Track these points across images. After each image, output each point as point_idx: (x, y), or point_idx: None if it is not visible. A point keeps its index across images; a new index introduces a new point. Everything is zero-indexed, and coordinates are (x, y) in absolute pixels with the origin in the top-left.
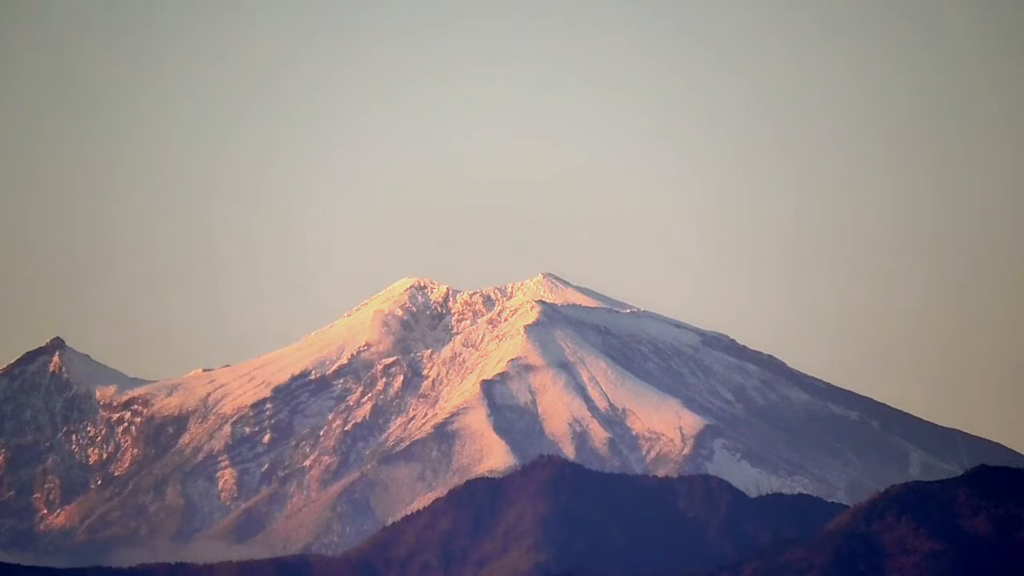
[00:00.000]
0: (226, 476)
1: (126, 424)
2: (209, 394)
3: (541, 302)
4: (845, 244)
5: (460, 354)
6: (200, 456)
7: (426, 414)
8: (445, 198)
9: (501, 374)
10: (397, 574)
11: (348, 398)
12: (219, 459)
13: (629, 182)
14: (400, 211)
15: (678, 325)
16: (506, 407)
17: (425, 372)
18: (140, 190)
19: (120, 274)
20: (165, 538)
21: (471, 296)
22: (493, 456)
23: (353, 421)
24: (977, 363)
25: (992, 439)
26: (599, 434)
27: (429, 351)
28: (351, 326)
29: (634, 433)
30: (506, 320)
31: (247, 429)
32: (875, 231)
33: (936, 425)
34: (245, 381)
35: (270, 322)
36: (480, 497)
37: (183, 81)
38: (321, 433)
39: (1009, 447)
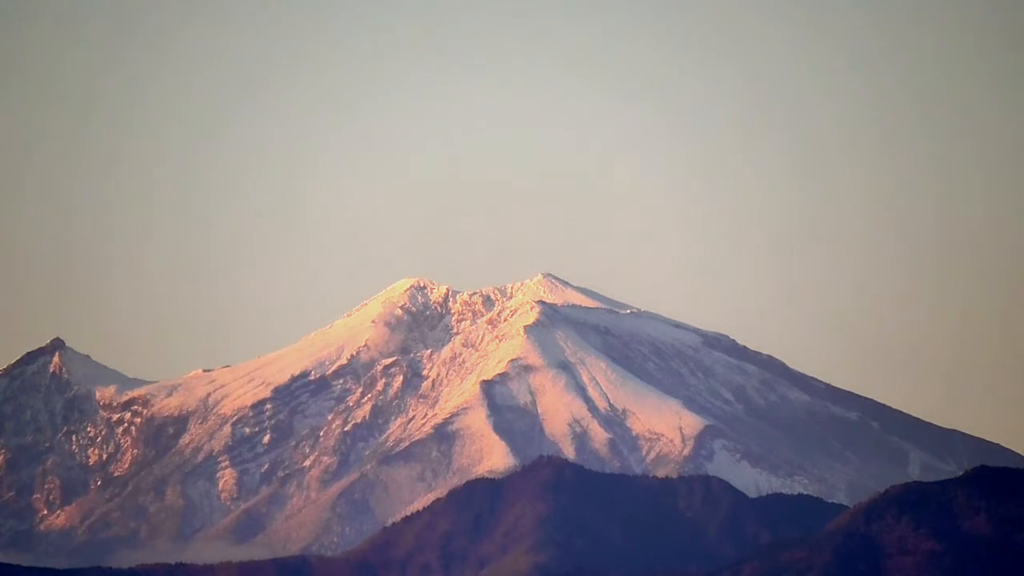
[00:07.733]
0: (226, 476)
1: (126, 424)
2: (209, 394)
3: (541, 302)
4: (845, 244)
5: (460, 354)
6: (200, 456)
7: (426, 414)
8: (445, 198)
9: (501, 374)
10: (397, 574)
11: (348, 398)
12: (219, 459)
13: (629, 182)
14: (400, 211)
15: (678, 325)
16: (506, 407)
17: (425, 372)
18: (140, 190)
19: (120, 274)
20: (165, 538)
21: (471, 296)
22: (493, 456)
23: (353, 421)
24: (977, 363)
25: (992, 439)
26: (599, 434)
27: (429, 351)
28: (351, 326)
29: (634, 433)
30: (506, 320)
31: (247, 429)
32: (875, 231)
33: (936, 425)
34: (245, 381)
35: (270, 322)
36: (480, 497)
37: (183, 81)
38: (321, 433)
39: (1009, 447)
